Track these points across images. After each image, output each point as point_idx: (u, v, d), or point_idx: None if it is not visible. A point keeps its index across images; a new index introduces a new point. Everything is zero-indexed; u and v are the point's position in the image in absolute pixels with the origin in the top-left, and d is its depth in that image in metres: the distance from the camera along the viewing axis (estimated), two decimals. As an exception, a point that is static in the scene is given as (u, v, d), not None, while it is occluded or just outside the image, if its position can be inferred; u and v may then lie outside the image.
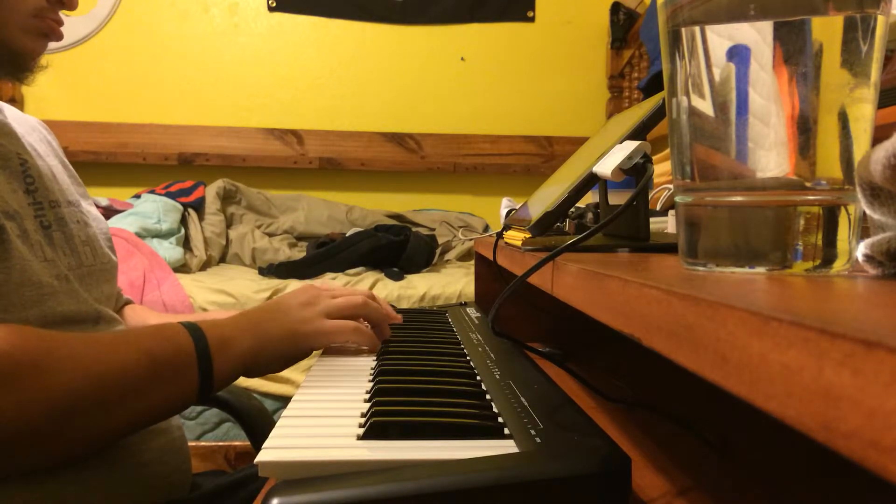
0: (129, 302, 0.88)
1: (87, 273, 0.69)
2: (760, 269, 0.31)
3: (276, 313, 0.65)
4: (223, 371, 0.59)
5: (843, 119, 0.30)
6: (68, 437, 0.52)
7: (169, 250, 1.92)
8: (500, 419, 0.44)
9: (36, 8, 0.65)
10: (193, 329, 0.59)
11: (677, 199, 0.36)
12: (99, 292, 0.71)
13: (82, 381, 0.51)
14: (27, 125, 0.75)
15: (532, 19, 2.67)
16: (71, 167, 0.79)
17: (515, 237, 0.67)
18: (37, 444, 0.50)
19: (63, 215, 0.69)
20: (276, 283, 1.81)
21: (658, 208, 1.07)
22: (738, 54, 0.31)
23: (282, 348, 0.64)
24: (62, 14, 0.69)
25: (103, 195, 2.24)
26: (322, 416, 0.47)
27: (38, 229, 0.64)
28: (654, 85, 2.06)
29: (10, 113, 0.72)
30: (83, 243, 0.70)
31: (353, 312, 0.69)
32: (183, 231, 2.09)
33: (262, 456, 0.38)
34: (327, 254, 1.95)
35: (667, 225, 0.89)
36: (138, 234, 1.93)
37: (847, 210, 0.31)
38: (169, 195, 2.18)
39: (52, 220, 0.67)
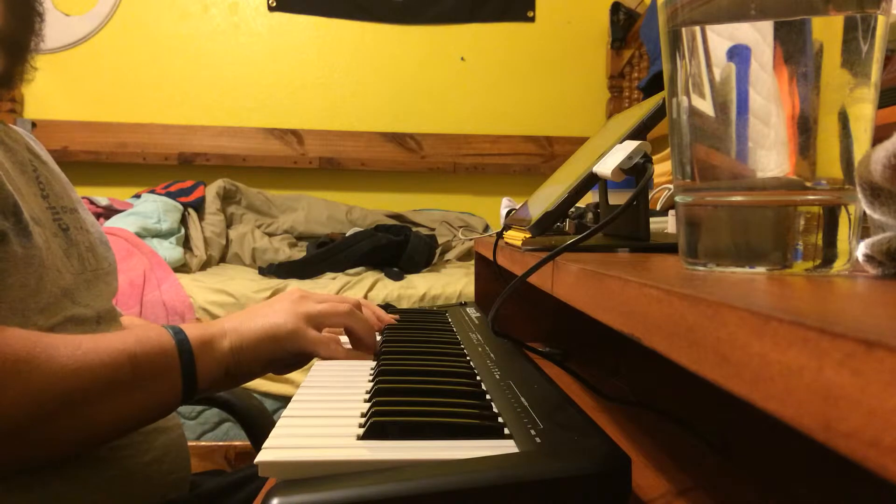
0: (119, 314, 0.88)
1: (93, 277, 0.70)
2: (760, 269, 0.31)
3: (258, 315, 0.65)
4: (206, 372, 0.59)
5: (844, 119, 0.30)
6: (49, 439, 0.52)
7: (169, 250, 1.92)
8: (500, 419, 0.44)
9: None
10: (176, 331, 0.59)
11: (677, 199, 0.36)
12: (102, 293, 0.71)
13: (63, 383, 0.51)
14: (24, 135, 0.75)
15: (532, 19, 2.67)
16: (63, 174, 0.79)
17: (515, 237, 0.67)
18: (17, 445, 0.50)
19: (68, 221, 0.69)
20: (276, 283, 1.81)
21: (658, 208, 1.07)
22: (739, 54, 0.31)
23: (261, 348, 0.62)
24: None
25: (103, 195, 2.24)
26: (322, 416, 0.47)
27: (57, 232, 0.65)
28: (654, 85, 2.06)
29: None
30: (87, 249, 0.71)
31: (338, 321, 0.67)
32: (183, 231, 2.09)
33: (262, 456, 0.38)
34: (327, 254, 1.96)
35: (667, 225, 0.89)
36: (138, 234, 1.93)
37: (847, 210, 0.31)
38: (169, 195, 2.18)
39: (67, 223, 0.68)
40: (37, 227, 0.61)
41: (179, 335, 0.59)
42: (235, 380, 0.64)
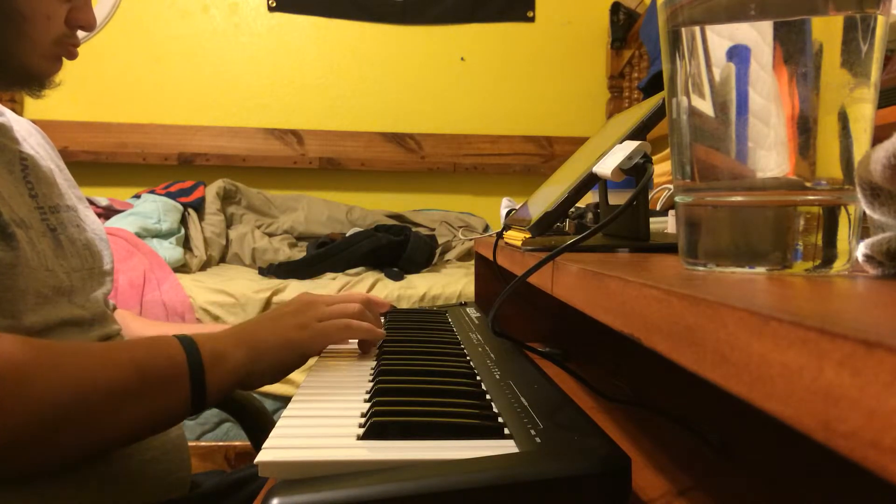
0: (114, 308, 0.88)
1: (88, 276, 0.70)
2: (760, 269, 0.31)
3: (270, 323, 0.64)
4: (216, 385, 0.58)
5: (843, 119, 0.30)
6: (55, 448, 0.51)
7: (169, 250, 1.92)
8: (500, 419, 0.44)
9: (58, 36, 0.68)
10: (187, 342, 0.58)
11: (677, 199, 0.36)
12: (97, 293, 0.71)
13: (69, 393, 0.50)
14: (25, 129, 0.75)
15: (532, 19, 2.67)
16: (67, 171, 0.79)
17: (515, 237, 0.67)
18: (22, 454, 0.50)
19: (62, 220, 0.69)
20: (276, 283, 1.81)
21: (658, 208, 1.07)
22: (738, 54, 0.31)
23: (277, 357, 0.62)
24: None
25: (103, 195, 2.24)
26: (322, 416, 0.47)
27: (45, 232, 0.65)
28: (654, 85, 2.06)
29: (9, 115, 0.72)
30: (83, 247, 0.70)
31: (342, 335, 0.67)
32: (183, 231, 2.09)
33: (262, 456, 0.38)
34: (327, 254, 1.95)
35: (667, 225, 0.89)
36: (138, 234, 1.93)
37: (847, 210, 0.31)
38: (169, 195, 2.18)
39: (55, 224, 0.67)
40: (20, 229, 0.60)
41: (190, 346, 0.58)
42: (249, 388, 0.64)
